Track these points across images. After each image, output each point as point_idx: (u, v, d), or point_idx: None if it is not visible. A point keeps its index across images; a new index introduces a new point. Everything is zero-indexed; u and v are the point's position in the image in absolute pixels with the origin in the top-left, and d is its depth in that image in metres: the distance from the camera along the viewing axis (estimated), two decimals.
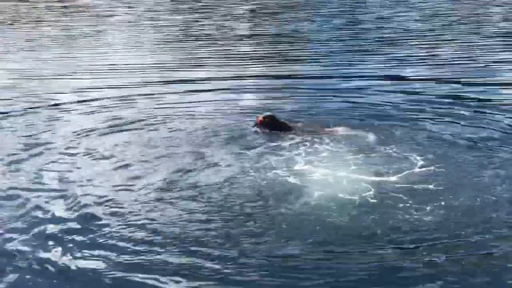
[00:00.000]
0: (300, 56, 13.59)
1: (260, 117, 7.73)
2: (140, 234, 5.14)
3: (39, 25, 19.13)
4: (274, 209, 5.52)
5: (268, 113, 7.81)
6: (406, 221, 5.22)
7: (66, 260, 4.80)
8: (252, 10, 21.88)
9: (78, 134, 7.77)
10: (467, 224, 5.14)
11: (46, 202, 5.79)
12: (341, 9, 20.91)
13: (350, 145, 7.09)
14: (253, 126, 7.71)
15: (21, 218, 5.48)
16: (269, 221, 5.29)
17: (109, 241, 5.07)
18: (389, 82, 10.46)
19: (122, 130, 7.93)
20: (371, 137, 7.30)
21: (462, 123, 7.85)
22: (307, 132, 7.53)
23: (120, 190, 6.01)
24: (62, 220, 5.44)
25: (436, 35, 15.42)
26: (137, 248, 4.94)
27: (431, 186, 5.87)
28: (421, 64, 12.11)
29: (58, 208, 5.65)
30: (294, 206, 5.55)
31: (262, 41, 15.51)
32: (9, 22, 20.00)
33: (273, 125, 7.65)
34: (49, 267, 4.73)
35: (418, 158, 6.55)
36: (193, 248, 4.89)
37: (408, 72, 11.33)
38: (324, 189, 5.84)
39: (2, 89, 10.52)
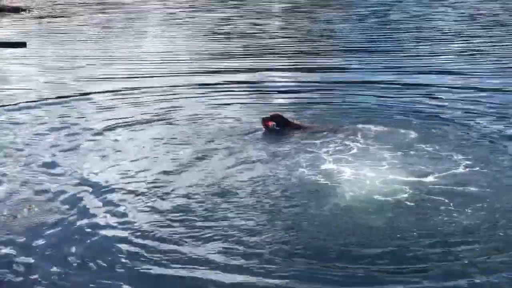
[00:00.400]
0: (333, 52, 13.33)
1: (267, 116, 7.42)
2: (168, 230, 4.90)
3: (74, 20, 19.35)
4: (304, 210, 5.20)
5: (273, 113, 7.51)
6: (445, 225, 4.86)
7: (92, 254, 4.59)
8: (286, 9, 21.69)
9: (106, 126, 7.69)
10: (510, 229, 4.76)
11: (73, 195, 5.62)
12: (376, 8, 20.55)
13: (387, 143, 6.73)
14: (272, 127, 7.32)
15: (48, 211, 5.29)
16: (299, 223, 4.98)
17: (136, 234, 4.86)
18: (427, 79, 10.13)
19: (150, 124, 7.81)
20: (410, 134, 6.96)
21: (508, 122, 7.47)
22: (319, 129, 7.25)
23: (144, 187, 5.79)
24: (88, 213, 5.25)
25: (478, 35, 14.97)
26: (164, 243, 4.71)
27: (473, 188, 5.49)
28: (463, 61, 11.75)
29: (86, 203, 5.46)
30: (325, 208, 5.22)
31: (295, 39, 15.30)
32: (46, 16, 20.33)
33: (283, 123, 7.36)
34: (75, 261, 4.53)
35: (460, 158, 6.18)
36: (219, 247, 4.64)
37: (448, 68, 10.99)
38: (357, 190, 5.51)
39: (36, 80, 10.64)
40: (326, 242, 4.68)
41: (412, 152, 6.43)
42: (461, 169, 5.93)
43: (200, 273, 4.33)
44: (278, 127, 7.35)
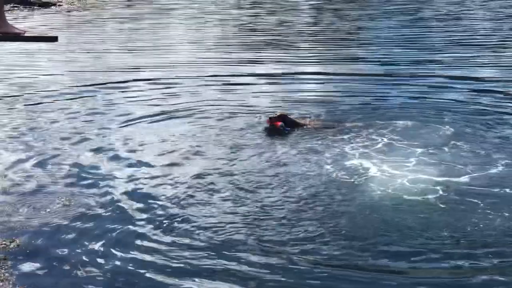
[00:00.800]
0: (363, 52, 13.12)
1: (274, 116, 7.12)
2: (188, 229, 4.78)
3: (104, 13, 19.52)
4: (331, 208, 5.06)
5: (281, 113, 7.22)
6: (478, 228, 4.67)
7: (100, 255, 4.45)
8: (315, 6, 21.54)
9: (133, 117, 7.69)
10: None
11: (89, 191, 5.53)
12: (407, 5, 20.23)
13: (421, 139, 6.55)
14: (280, 127, 7.01)
15: (58, 209, 5.17)
16: (324, 222, 4.83)
17: (150, 235, 4.73)
18: (464, 74, 9.86)
19: (174, 116, 7.72)
20: (446, 131, 6.78)
21: None
22: (325, 128, 7.07)
23: (160, 184, 5.65)
24: (99, 213, 5.12)
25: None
26: (180, 245, 4.55)
27: (510, 190, 5.28)
28: (503, 57, 11.40)
29: (97, 201, 5.33)
30: (353, 207, 5.07)
31: (323, 37, 15.12)
32: (77, 10, 20.54)
33: (291, 124, 7.09)
34: (82, 262, 4.38)
35: (499, 156, 5.97)
36: (242, 246, 4.52)
37: (487, 64, 10.73)
38: (385, 189, 5.35)
39: (67, 72, 10.70)
40: (354, 242, 4.54)
41: (446, 149, 6.26)
42: (500, 169, 5.73)
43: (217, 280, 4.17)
44: (286, 127, 7.04)
